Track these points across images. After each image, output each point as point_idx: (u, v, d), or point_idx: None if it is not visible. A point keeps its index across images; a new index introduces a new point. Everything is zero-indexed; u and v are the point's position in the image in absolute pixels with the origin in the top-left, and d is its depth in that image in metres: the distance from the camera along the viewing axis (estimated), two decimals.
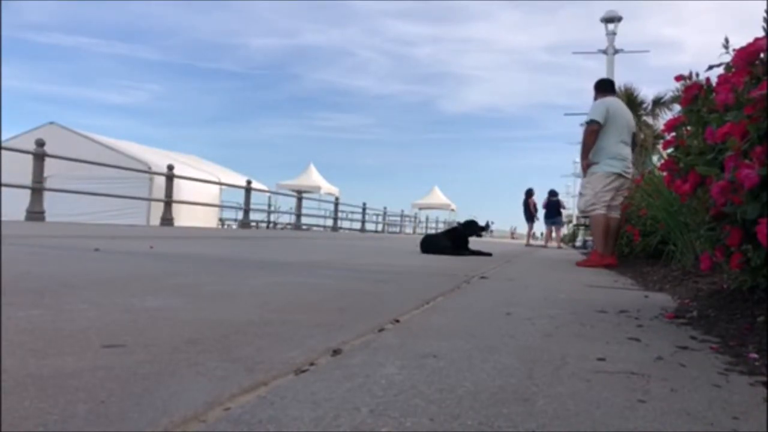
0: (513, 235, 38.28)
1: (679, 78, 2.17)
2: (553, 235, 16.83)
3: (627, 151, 5.32)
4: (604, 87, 5.57)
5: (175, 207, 12.39)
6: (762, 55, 1.63)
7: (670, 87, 19.33)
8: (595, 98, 5.46)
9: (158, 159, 16.04)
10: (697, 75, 2.08)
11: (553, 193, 16.64)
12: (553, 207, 16.51)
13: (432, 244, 6.07)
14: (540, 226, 17.85)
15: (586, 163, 5.20)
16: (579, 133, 5.85)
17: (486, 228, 6.49)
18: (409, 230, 29.34)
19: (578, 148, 5.71)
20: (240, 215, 15.86)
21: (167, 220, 11.76)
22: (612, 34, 15.48)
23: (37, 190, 8.73)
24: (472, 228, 6.51)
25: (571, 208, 32.39)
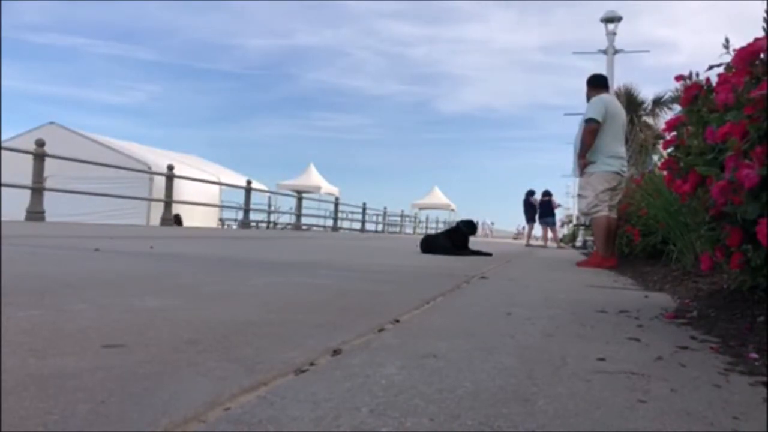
0: (516, 236, 38.05)
1: (679, 78, 2.17)
2: (549, 235, 16.82)
3: (623, 150, 5.29)
4: (599, 83, 5.43)
5: (175, 207, 12.38)
6: (762, 55, 1.63)
7: (666, 87, 19.41)
8: (589, 94, 5.31)
9: (158, 159, 16.03)
10: (697, 75, 2.08)
11: (546, 194, 16.63)
12: (546, 207, 16.50)
13: (432, 244, 6.07)
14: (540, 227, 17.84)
15: (584, 163, 5.13)
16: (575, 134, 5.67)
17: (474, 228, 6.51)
18: (409, 230, 29.33)
19: (571, 148, 5.60)
20: (240, 215, 15.85)
21: (167, 220, 11.77)
22: (612, 34, 15.45)
23: (37, 190, 8.73)
24: (471, 227, 6.51)
25: (570, 208, 32.38)
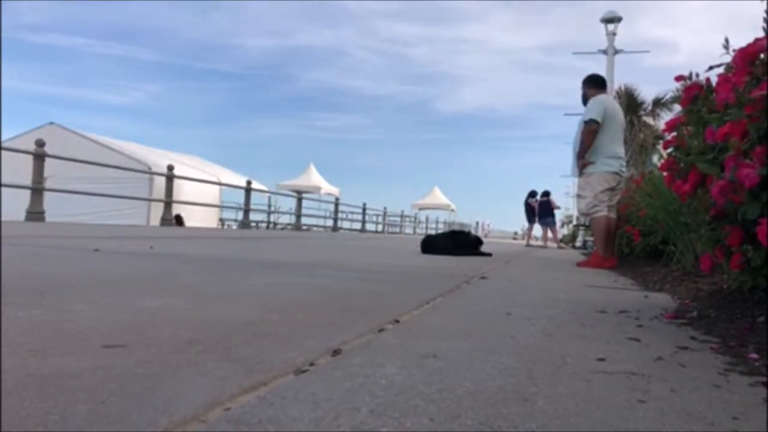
0: (516, 236, 38.04)
1: (679, 78, 2.17)
2: (549, 235, 16.82)
3: (622, 150, 5.30)
4: (597, 83, 5.42)
5: (175, 207, 12.38)
6: (762, 55, 1.63)
7: (666, 87, 19.43)
8: (585, 94, 5.31)
9: (158, 159, 16.03)
10: (697, 75, 2.08)
11: (545, 194, 16.63)
12: (545, 207, 16.51)
13: (432, 244, 6.07)
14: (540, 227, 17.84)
15: (583, 163, 5.14)
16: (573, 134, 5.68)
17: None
18: (409, 231, 29.31)
19: (570, 148, 5.61)
20: (240, 215, 15.85)
21: (167, 220, 11.77)
22: (612, 35, 15.47)
23: (37, 190, 8.73)
24: (479, 241, 6.51)
25: (570, 208, 32.42)
